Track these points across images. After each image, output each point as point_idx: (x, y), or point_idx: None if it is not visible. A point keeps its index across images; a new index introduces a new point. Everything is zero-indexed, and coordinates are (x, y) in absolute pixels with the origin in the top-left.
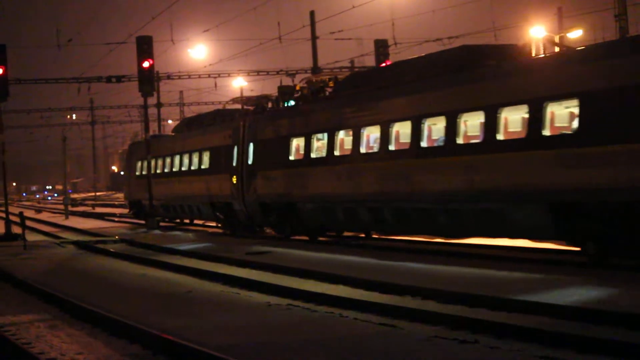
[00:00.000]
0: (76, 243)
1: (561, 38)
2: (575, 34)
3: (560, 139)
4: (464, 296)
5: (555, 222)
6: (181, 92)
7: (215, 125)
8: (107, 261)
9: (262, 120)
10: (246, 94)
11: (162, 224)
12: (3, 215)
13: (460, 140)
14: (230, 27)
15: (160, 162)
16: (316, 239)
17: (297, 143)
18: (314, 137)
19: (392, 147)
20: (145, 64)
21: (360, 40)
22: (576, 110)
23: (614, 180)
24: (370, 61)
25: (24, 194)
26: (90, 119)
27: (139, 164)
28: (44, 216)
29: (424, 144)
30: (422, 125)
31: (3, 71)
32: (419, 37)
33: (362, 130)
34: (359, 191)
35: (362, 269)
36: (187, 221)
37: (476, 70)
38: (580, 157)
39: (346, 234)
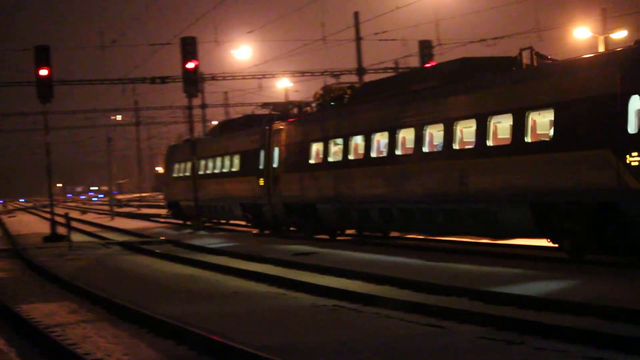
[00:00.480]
0: (122, 244)
1: (605, 39)
2: (620, 35)
3: (539, 146)
4: (510, 297)
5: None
6: (226, 92)
7: (245, 129)
8: (153, 262)
9: (286, 125)
10: (291, 95)
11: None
12: (49, 216)
13: (456, 146)
14: (275, 28)
15: (196, 165)
16: (335, 237)
17: (317, 148)
18: (331, 142)
19: (398, 152)
20: (190, 65)
21: (405, 41)
22: (552, 119)
23: (577, 183)
24: (414, 62)
25: (69, 195)
26: (135, 120)
27: (176, 166)
28: (89, 217)
29: (425, 149)
30: (423, 132)
31: (48, 72)
32: (463, 38)
33: (372, 136)
34: (371, 192)
35: (408, 270)
36: (223, 221)
37: (468, 82)
38: (553, 162)
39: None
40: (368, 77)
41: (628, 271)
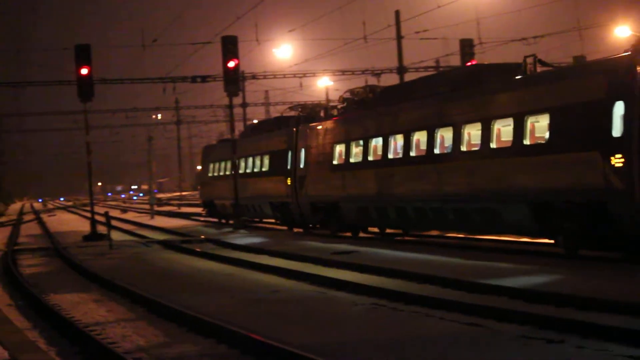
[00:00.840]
0: (162, 243)
1: None
2: None
3: (535, 148)
4: (550, 295)
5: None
6: (266, 91)
7: (274, 131)
8: (193, 261)
9: (311, 127)
10: (331, 94)
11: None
12: (89, 215)
13: (464, 148)
14: (316, 27)
15: (230, 164)
16: (357, 235)
17: (339, 149)
18: (352, 144)
19: (413, 154)
20: (231, 64)
21: (446, 40)
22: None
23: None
24: (455, 61)
25: (109, 194)
26: (176, 119)
27: (211, 165)
28: (129, 216)
29: (436, 151)
30: (435, 134)
31: (88, 71)
32: (504, 37)
33: (389, 138)
34: (388, 192)
35: (447, 269)
36: (256, 219)
37: (475, 88)
38: (549, 163)
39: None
40: (409, 76)
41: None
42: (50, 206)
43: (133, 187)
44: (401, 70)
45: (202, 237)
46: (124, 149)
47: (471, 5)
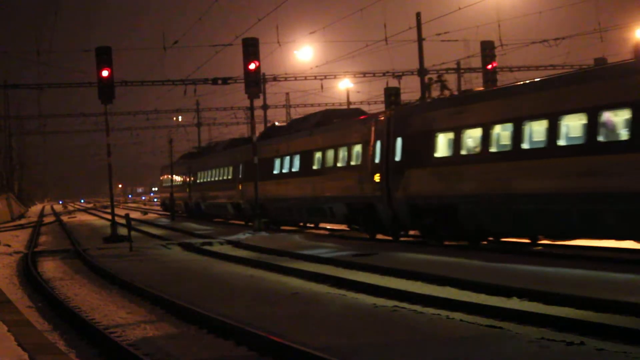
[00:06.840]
0: (182, 244)
1: None
2: None
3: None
4: (570, 297)
5: None
6: (287, 93)
7: (188, 160)
8: (213, 262)
9: (198, 160)
10: (352, 95)
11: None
12: (109, 217)
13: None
14: (337, 29)
15: (172, 177)
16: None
17: (204, 173)
18: (198, 173)
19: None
20: (252, 66)
21: (467, 42)
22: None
23: None
24: (476, 62)
25: (130, 196)
26: (196, 121)
27: (165, 177)
28: (150, 218)
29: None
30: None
31: (109, 73)
32: (525, 38)
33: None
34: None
35: (468, 271)
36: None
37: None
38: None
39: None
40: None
41: None
42: (70, 208)
43: (154, 189)
44: (422, 72)
45: (222, 239)
46: (144, 150)
47: (492, 7)
